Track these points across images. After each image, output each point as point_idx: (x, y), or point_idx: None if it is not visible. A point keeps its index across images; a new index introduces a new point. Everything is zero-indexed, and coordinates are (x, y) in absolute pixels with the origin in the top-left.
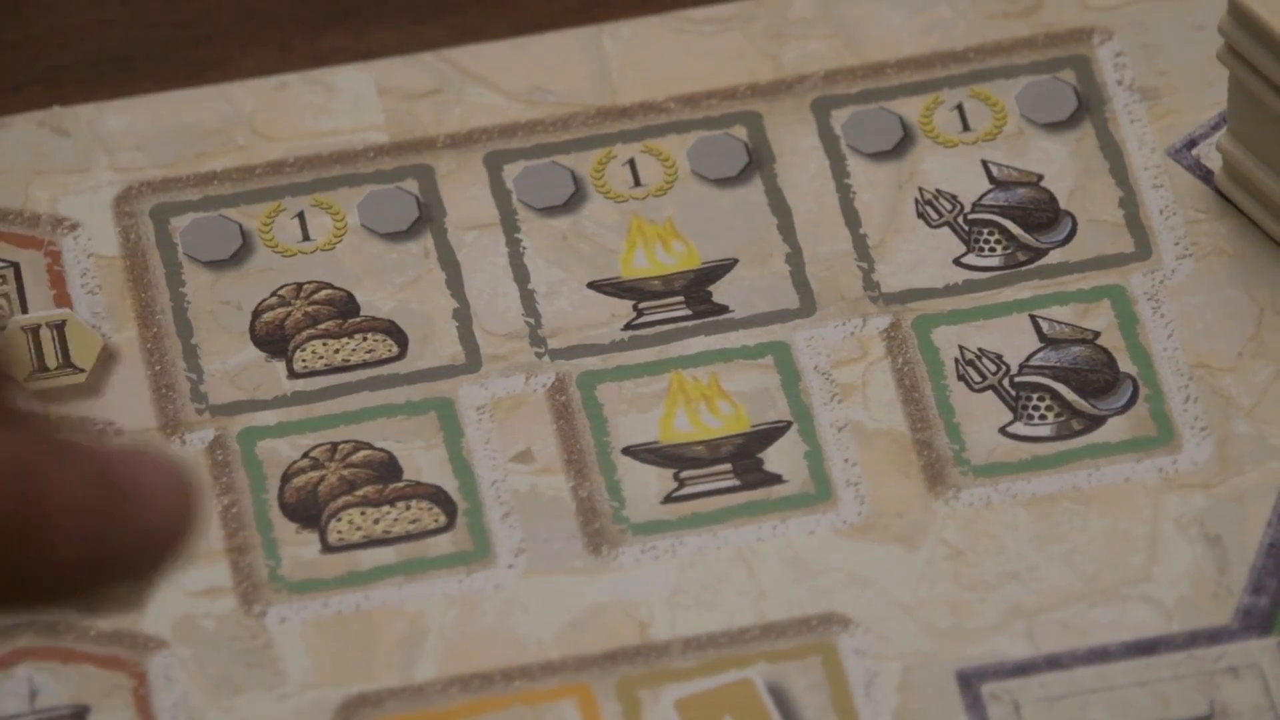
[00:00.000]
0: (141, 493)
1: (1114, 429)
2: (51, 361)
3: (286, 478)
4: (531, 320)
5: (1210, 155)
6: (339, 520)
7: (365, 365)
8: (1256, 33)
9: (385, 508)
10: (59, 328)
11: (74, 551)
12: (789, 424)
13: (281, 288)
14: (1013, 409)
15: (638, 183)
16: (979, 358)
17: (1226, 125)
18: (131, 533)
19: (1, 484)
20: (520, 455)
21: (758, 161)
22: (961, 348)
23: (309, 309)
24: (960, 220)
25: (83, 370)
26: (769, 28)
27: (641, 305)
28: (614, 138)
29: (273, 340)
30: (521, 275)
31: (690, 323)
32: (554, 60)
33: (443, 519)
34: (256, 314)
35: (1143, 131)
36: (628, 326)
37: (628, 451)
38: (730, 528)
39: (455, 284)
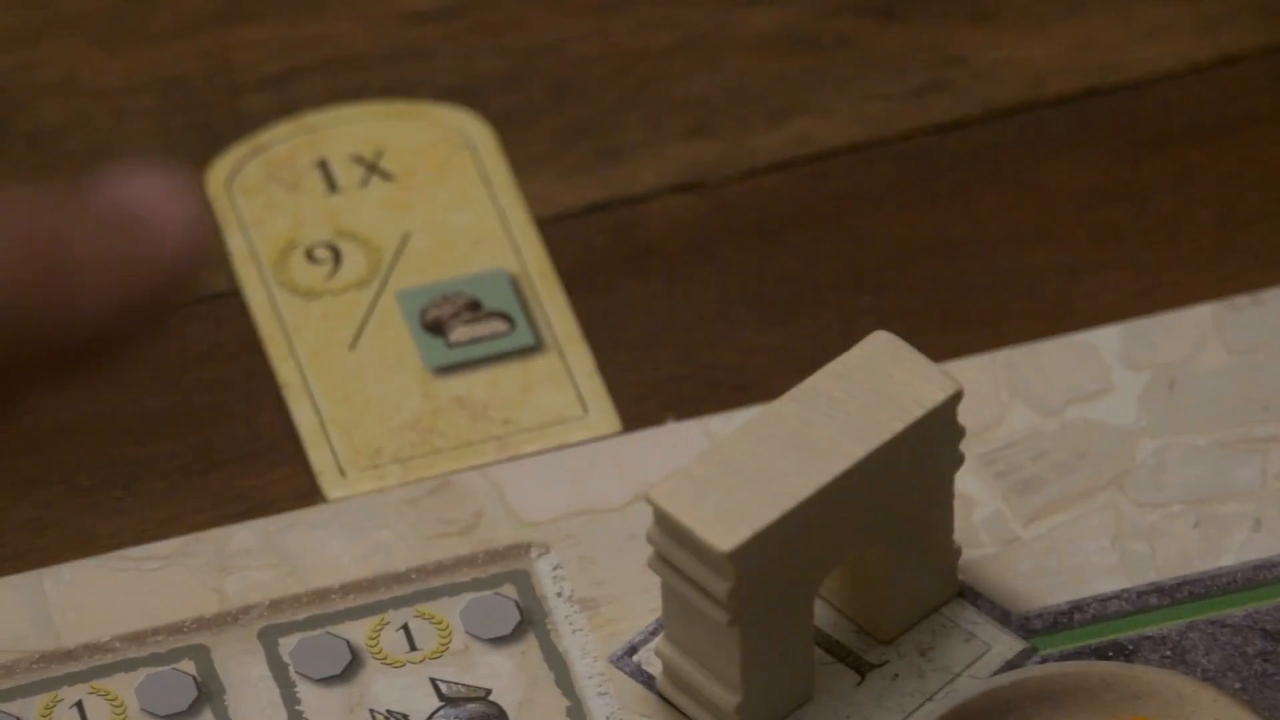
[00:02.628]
0: (156, 228)
1: None
2: None
3: None
4: None
5: (651, 661)
6: None
7: None
8: (678, 537)
9: None
10: None
11: (103, 303)
12: None
13: None
14: None
15: None
16: None
17: (663, 631)
18: (153, 273)
19: (22, 246)
20: None
21: (207, 695)
22: None
23: None
24: None
25: None
26: (211, 561)
27: None
28: (60, 681)
29: None
30: None
31: None
32: None
33: None
34: None
35: (585, 641)
36: None
37: None
38: None
39: None
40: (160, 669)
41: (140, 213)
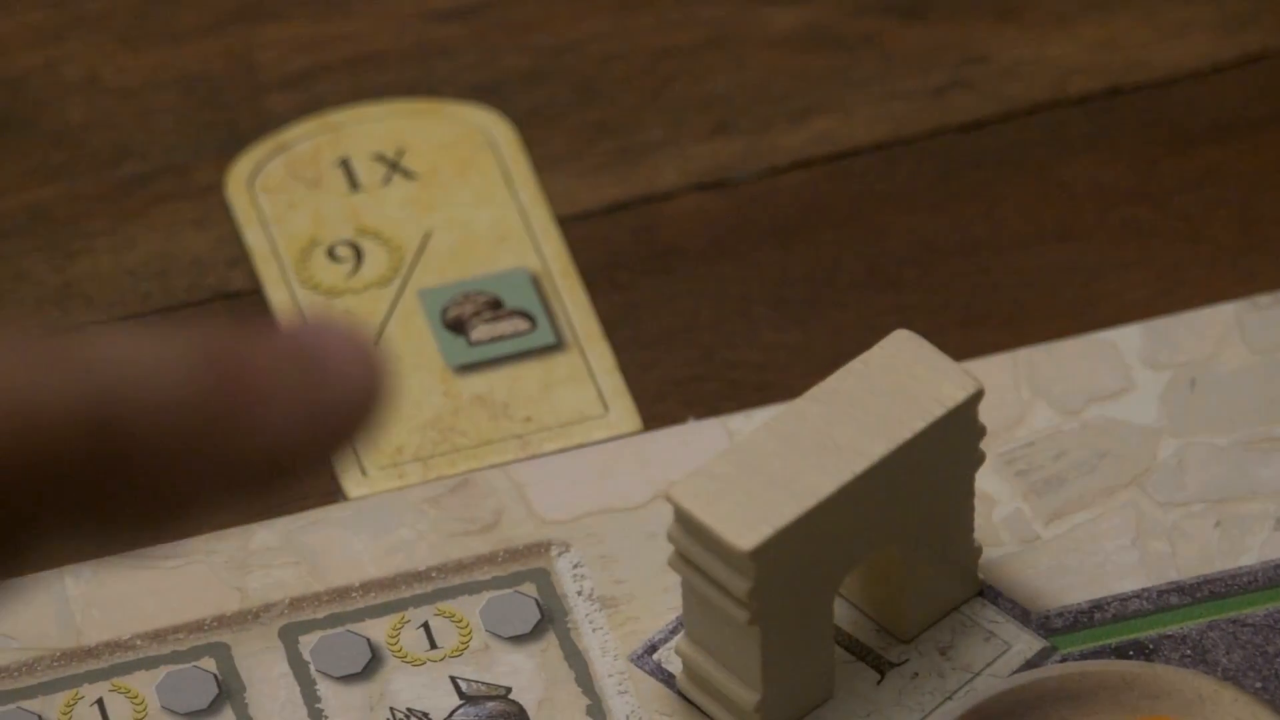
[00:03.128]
0: (334, 365)
1: None
2: None
3: None
4: None
5: (671, 659)
6: None
7: None
8: (699, 536)
9: None
10: None
11: (283, 432)
12: None
13: None
14: None
15: None
16: None
17: (683, 629)
18: (333, 402)
19: (202, 368)
20: None
21: (228, 692)
22: None
23: None
24: None
25: None
26: (232, 559)
27: None
28: (80, 679)
29: None
30: None
31: None
32: (17, 605)
33: None
34: None
35: (605, 639)
36: None
37: None
38: None
39: None
40: (181, 667)
41: (321, 354)
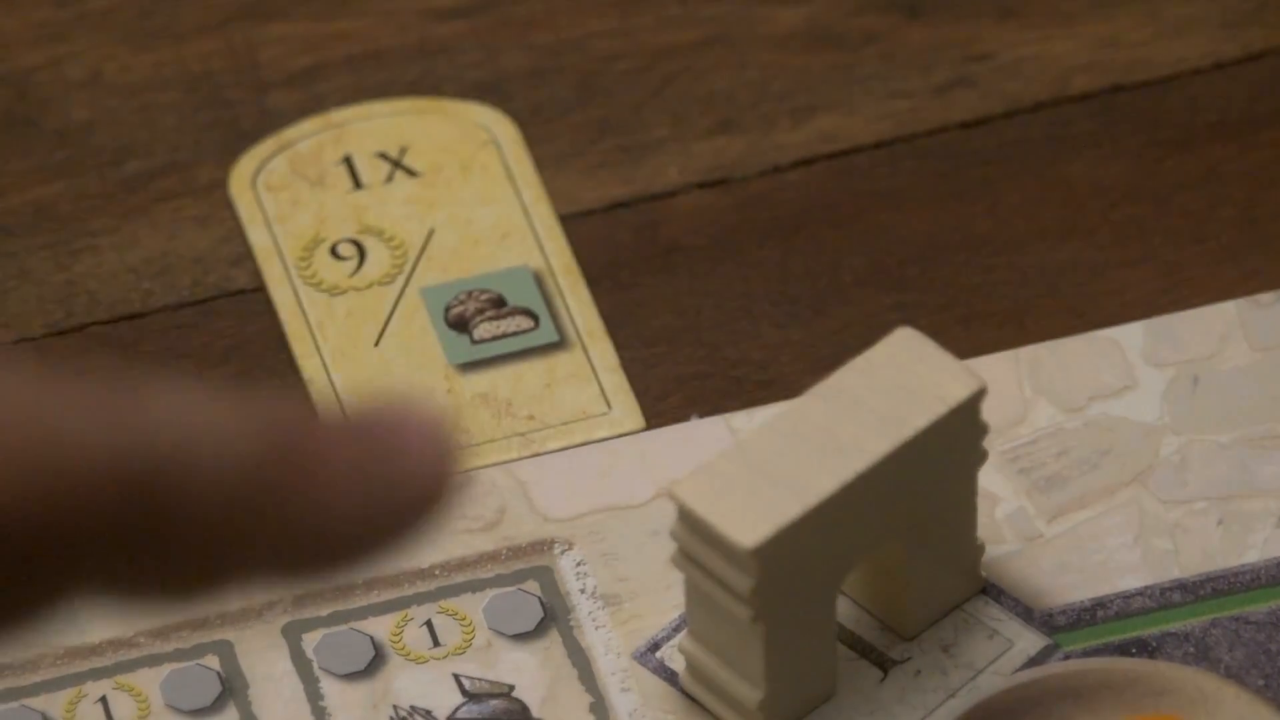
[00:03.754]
0: (404, 448)
1: None
2: None
3: None
4: None
5: (674, 657)
6: None
7: None
8: (701, 533)
9: None
10: None
11: (343, 507)
12: None
13: None
14: None
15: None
16: None
17: (686, 627)
18: (398, 488)
19: (261, 437)
20: None
21: (231, 690)
22: None
23: None
24: None
25: None
26: None
27: None
28: (84, 676)
29: None
30: None
31: None
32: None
33: None
34: None
35: (608, 637)
36: None
37: None
38: None
39: None
40: (184, 664)
41: (389, 439)
